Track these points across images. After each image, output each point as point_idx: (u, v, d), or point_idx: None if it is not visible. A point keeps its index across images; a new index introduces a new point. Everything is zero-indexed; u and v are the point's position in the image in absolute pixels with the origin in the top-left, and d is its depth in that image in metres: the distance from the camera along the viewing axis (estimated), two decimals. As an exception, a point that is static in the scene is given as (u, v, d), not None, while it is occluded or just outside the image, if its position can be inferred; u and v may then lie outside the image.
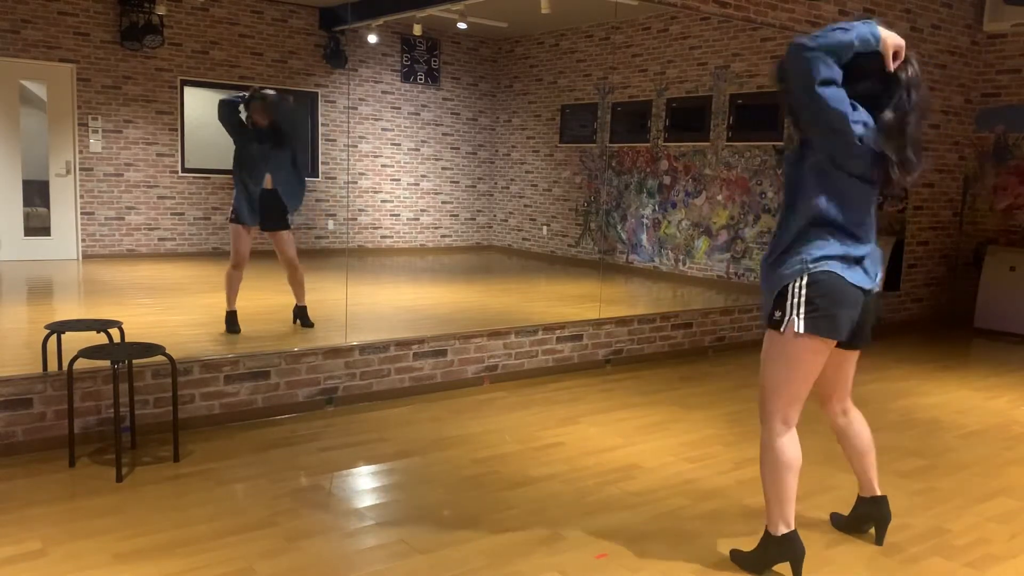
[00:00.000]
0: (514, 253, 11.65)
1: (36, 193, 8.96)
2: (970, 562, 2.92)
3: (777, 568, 2.78)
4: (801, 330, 2.57)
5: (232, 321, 5.59)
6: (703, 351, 6.29)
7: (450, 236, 11.75)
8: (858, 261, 2.62)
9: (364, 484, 3.55)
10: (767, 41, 8.50)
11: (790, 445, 2.67)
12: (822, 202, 2.57)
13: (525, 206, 11.62)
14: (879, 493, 3.01)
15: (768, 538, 2.75)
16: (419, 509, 3.22)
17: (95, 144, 9.09)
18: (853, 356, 2.86)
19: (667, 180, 9.67)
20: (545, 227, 11.30)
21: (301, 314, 5.82)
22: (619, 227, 10.28)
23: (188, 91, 9.67)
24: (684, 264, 9.51)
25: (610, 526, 3.10)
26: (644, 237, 9.96)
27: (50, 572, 2.63)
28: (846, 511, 3.15)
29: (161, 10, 9.06)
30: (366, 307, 6.75)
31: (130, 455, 3.67)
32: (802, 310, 2.57)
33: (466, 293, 8.41)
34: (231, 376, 4.18)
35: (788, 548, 2.71)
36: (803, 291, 2.57)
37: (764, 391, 2.70)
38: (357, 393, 4.60)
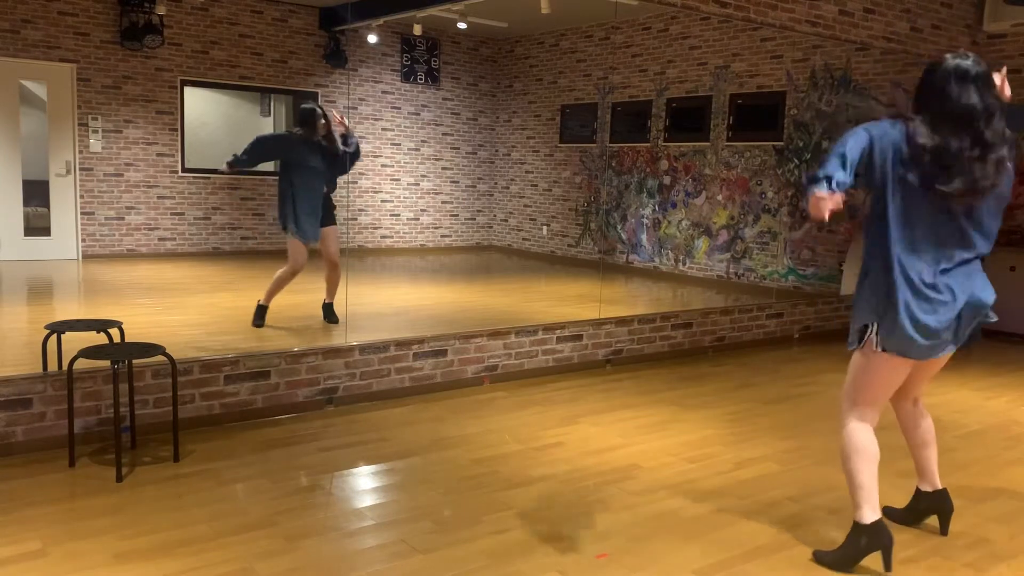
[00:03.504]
0: (514, 253, 11.66)
1: (36, 193, 8.97)
2: (970, 562, 2.92)
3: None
4: (878, 348, 2.73)
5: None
6: (703, 351, 6.29)
7: (450, 236, 11.75)
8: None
9: (364, 484, 3.55)
10: (767, 41, 8.50)
11: (861, 433, 2.81)
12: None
13: (525, 206, 11.62)
14: (940, 486, 3.09)
15: (858, 528, 2.80)
16: (419, 509, 3.22)
17: (95, 144, 9.09)
18: (942, 360, 2.93)
19: (667, 180, 9.67)
20: (545, 227, 11.30)
21: (327, 310, 6.01)
22: (619, 227, 10.28)
23: (188, 91, 9.68)
24: (684, 264, 9.51)
25: (610, 526, 3.10)
26: (644, 237, 9.97)
27: (50, 572, 2.63)
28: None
29: (161, 10, 9.06)
30: (366, 307, 6.75)
31: (130, 455, 3.67)
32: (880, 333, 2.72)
33: (466, 293, 8.41)
34: (231, 376, 4.18)
35: (877, 537, 2.77)
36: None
37: (845, 392, 2.88)
38: (357, 393, 4.60)
